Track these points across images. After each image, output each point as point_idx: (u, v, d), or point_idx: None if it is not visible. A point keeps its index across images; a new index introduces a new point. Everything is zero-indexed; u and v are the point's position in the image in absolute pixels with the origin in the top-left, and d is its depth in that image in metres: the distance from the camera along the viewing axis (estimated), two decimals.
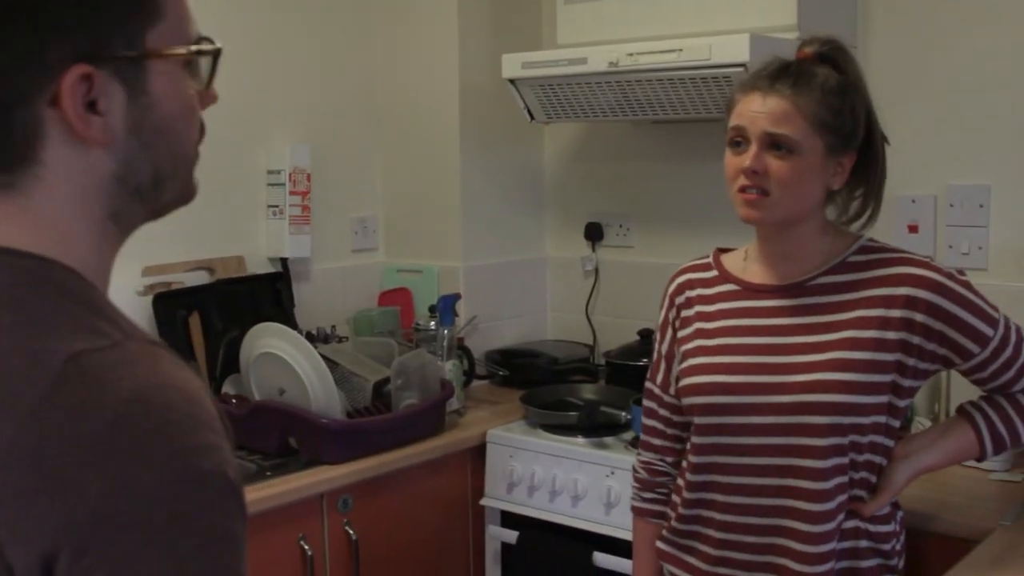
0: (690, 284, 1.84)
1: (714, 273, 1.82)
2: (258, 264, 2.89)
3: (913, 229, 2.60)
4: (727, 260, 1.83)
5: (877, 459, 1.70)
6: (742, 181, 1.66)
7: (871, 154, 1.71)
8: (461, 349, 2.87)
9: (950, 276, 1.68)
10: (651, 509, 1.90)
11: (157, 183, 0.88)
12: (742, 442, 1.70)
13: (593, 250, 3.22)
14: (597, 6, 2.73)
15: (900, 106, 2.59)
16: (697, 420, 1.75)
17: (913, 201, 2.60)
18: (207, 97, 0.91)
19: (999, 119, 2.49)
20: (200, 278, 2.72)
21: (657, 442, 1.90)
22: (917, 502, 1.97)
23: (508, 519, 2.58)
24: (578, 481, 2.45)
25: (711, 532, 1.74)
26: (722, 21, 2.45)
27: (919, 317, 1.64)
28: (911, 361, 1.66)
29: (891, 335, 1.64)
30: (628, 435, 2.52)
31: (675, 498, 1.83)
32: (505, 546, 2.59)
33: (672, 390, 1.85)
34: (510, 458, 2.57)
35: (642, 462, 1.92)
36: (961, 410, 1.80)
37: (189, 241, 2.66)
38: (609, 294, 3.20)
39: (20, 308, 0.80)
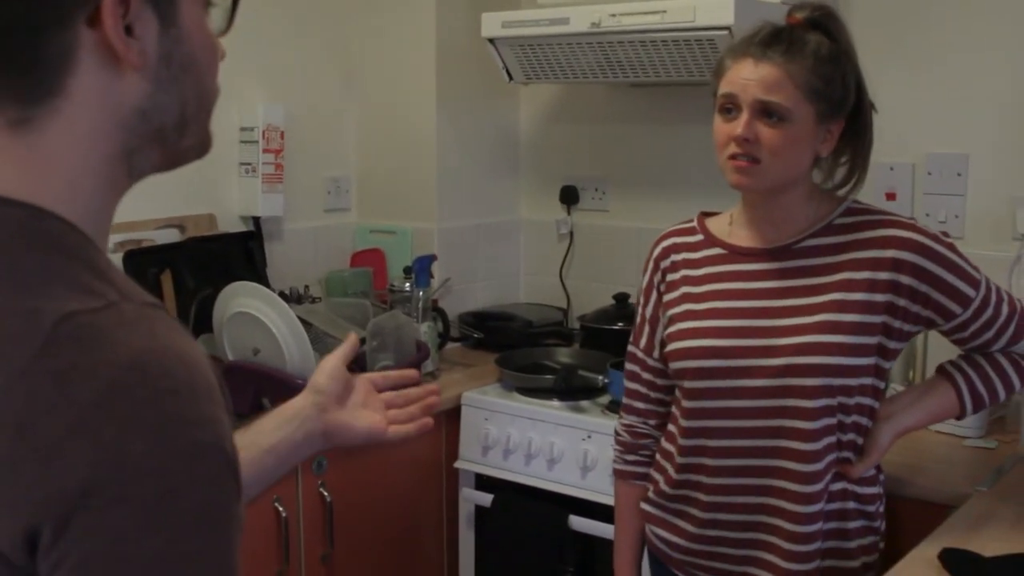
0: (675, 248, 1.83)
1: (699, 237, 1.82)
2: (230, 223, 2.84)
3: (891, 197, 2.60)
4: (712, 224, 1.83)
5: (864, 420, 1.72)
6: (732, 148, 1.65)
7: (860, 121, 1.71)
8: (436, 311, 2.85)
9: (935, 238, 1.69)
10: (634, 471, 1.91)
11: (181, 123, 0.84)
12: (733, 405, 1.71)
13: (568, 213, 3.20)
14: None
15: (880, 74, 2.56)
16: (687, 384, 1.76)
17: (892, 169, 2.60)
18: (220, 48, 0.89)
19: (978, 88, 2.49)
20: (171, 236, 2.67)
21: (640, 405, 1.89)
22: (893, 467, 1.98)
23: (482, 482, 2.57)
24: (554, 444, 2.44)
25: (700, 495, 1.75)
26: None
27: (905, 279, 1.66)
28: (897, 323, 1.68)
29: (879, 297, 1.66)
30: (605, 399, 2.51)
31: (664, 463, 1.83)
32: (479, 509, 2.58)
33: (656, 354, 1.84)
34: (485, 421, 2.55)
35: (624, 425, 1.92)
36: (941, 370, 1.81)
37: (159, 198, 2.60)
38: (583, 258, 3.18)
39: (10, 264, 0.75)
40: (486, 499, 2.54)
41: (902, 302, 1.67)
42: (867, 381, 1.70)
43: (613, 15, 2.46)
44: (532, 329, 2.98)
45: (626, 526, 1.93)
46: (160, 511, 0.69)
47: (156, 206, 2.61)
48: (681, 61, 2.45)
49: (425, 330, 2.70)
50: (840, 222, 1.72)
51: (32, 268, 0.74)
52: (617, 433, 1.94)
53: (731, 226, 1.80)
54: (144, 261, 2.52)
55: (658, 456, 1.85)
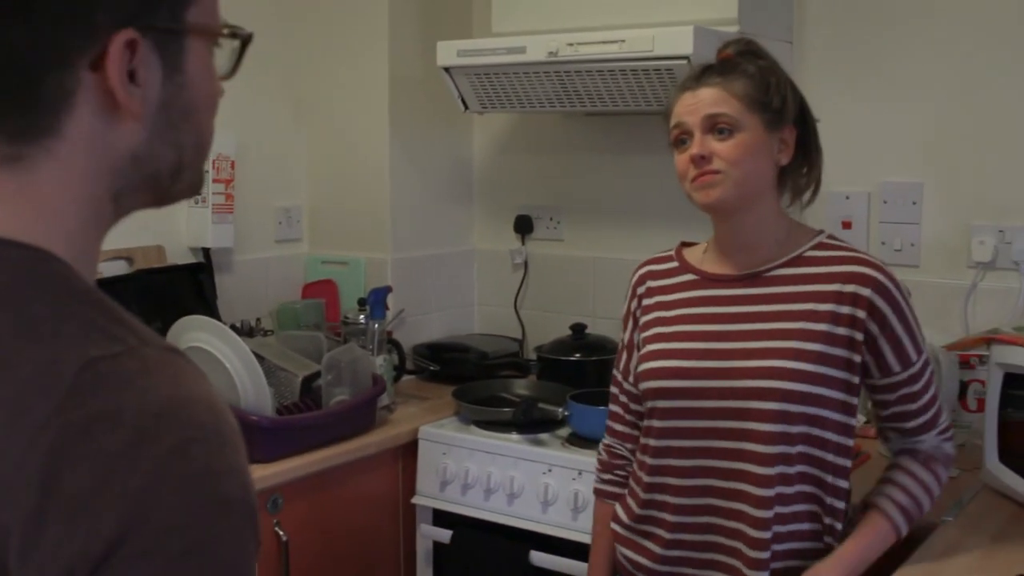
0: (651, 275, 1.87)
1: (674, 264, 1.85)
2: (179, 254, 2.78)
3: (847, 225, 2.61)
4: (688, 253, 1.87)
5: (841, 461, 1.72)
6: (692, 171, 1.69)
7: (806, 129, 1.75)
8: (391, 343, 2.80)
9: (899, 288, 1.72)
10: (608, 491, 1.92)
11: (177, 170, 0.82)
12: (696, 425, 1.72)
13: (522, 243, 3.18)
14: None
15: (835, 102, 2.59)
16: (651, 404, 1.78)
17: (847, 197, 2.61)
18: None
19: (932, 117, 2.51)
20: (119, 268, 2.61)
21: (618, 427, 1.92)
22: (857, 498, 1.96)
23: (441, 518, 2.53)
24: (514, 479, 2.40)
25: (666, 516, 1.76)
26: (663, 13, 2.42)
27: (860, 314, 1.67)
28: (856, 358, 1.69)
29: (841, 331, 1.68)
30: (564, 432, 2.48)
31: (634, 485, 1.84)
32: (438, 545, 2.53)
33: (631, 378, 1.87)
34: (443, 455, 2.51)
35: (604, 445, 1.95)
36: (867, 504, 1.77)
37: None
38: (538, 288, 3.16)
39: (21, 309, 0.71)
40: (445, 535, 2.49)
41: (859, 336, 1.68)
42: (836, 416, 1.70)
43: (571, 44, 2.44)
44: (488, 361, 2.94)
45: (600, 544, 1.93)
46: (185, 567, 0.67)
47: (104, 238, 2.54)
48: (639, 90, 2.44)
49: (381, 363, 2.66)
50: (811, 254, 1.74)
51: (45, 314, 0.72)
52: (599, 452, 1.96)
53: (705, 254, 1.83)
54: None
55: (631, 479, 1.86)
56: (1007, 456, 2.02)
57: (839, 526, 1.72)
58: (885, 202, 2.57)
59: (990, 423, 2.05)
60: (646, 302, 1.85)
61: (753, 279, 1.75)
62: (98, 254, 0.81)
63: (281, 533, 2.24)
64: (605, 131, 3.00)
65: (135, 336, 0.73)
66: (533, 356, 2.94)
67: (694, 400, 1.72)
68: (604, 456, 1.94)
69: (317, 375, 2.46)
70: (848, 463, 1.72)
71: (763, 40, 2.53)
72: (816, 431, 1.68)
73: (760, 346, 1.69)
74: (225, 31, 0.84)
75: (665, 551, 1.76)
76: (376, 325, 2.69)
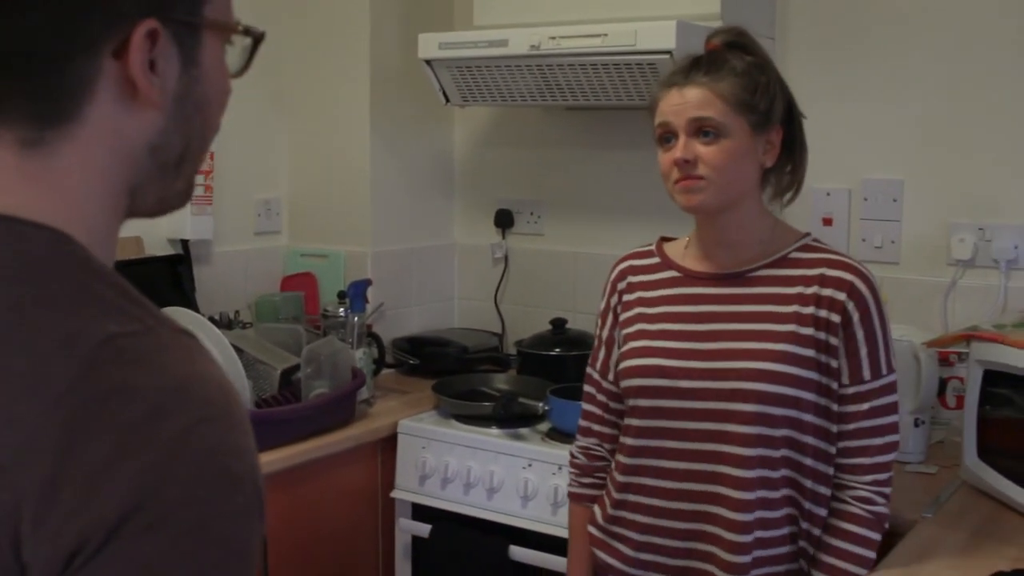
0: (632, 270, 1.85)
1: (656, 260, 1.83)
2: (157, 246, 2.76)
3: (827, 222, 2.61)
4: (669, 248, 1.84)
5: (822, 467, 1.68)
6: (675, 174, 1.67)
7: (792, 128, 1.73)
8: (371, 336, 2.79)
9: (875, 296, 1.68)
10: (588, 495, 1.89)
11: (180, 162, 0.83)
12: (675, 426, 1.71)
13: (503, 237, 3.17)
14: None
15: (816, 99, 2.58)
16: (632, 402, 1.76)
17: (828, 194, 2.61)
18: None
19: (913, 114, 2.51)
20: None
21: (596, 427, 1.89)
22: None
23: (420, 512, 2.52)
24: (494, 473, 2.39)
25: (638, 517, 1.75)
26: (646, 7, 2.42)
27: (835, 318, 1.65)
28: (834, 362, 1.67)
29: (820, 335, 1.66)
30: (544, 426, 2.48)
31: (610, 485, 1.82)
32: (416, 540, 2.52)
33: (611, 376, 1.85)
34: (422, 449, 2.50)
35: (580, 447, 1.91)
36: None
37: None
38: (518, 282, 3.15)
39: (44, 285, 0.72)
40: (424, 529, 2.48)
41: (834, 341, 1.66)
42: (817, 421, 1.67)
43: (553, 38, 2.43)
44: (468, 355, 2.93)
45: (578, 549, 1.90)
46: (191, 542, 0.68)
47: None
48: (621, 85, 2.43)
49: (360, 356, 2.64)
50: (795, 256, 1.72)
51: (67, 290, 0.73)
52: (573, 456, 1.93)
53: (687, 249, 1.81)
54: None
55: (607, 479, 1.84)
56: (986, 453, 2.03)
57: (816, 532, 1.68)
58: (866, 199, 2.57)
59: (969, 420, 2.06)
60: (627, 298, 1.83)
61: (737, 279, 1.73)
62: (115, 244, 0.83)
63: None
64: (587, 125, 2.99)
65: (152, 316, 0.75)
66: (513, 350, 2.93)
67: (675, 400, 1.70)
68: (581, 459, 1.90)
69: (296, 368, 2.45)
70: (829, 470, 1.68)
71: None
72: (796, 435, 1.66)
73: (742, 347, 1.67)
74: (240, 28, 0.86)
75: (635, 553, 1.75)
76: (356, 318, 2.68)
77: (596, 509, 1.84)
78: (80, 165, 0.78)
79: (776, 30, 2.65)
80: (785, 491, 1.67)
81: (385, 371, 2.91)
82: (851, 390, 1.66)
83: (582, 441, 1.91)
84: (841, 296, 1.65)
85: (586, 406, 1.91)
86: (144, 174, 0.81)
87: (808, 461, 1.67)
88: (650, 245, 1.87)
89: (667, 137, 1.68)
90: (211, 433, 0.70)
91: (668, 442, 1.71)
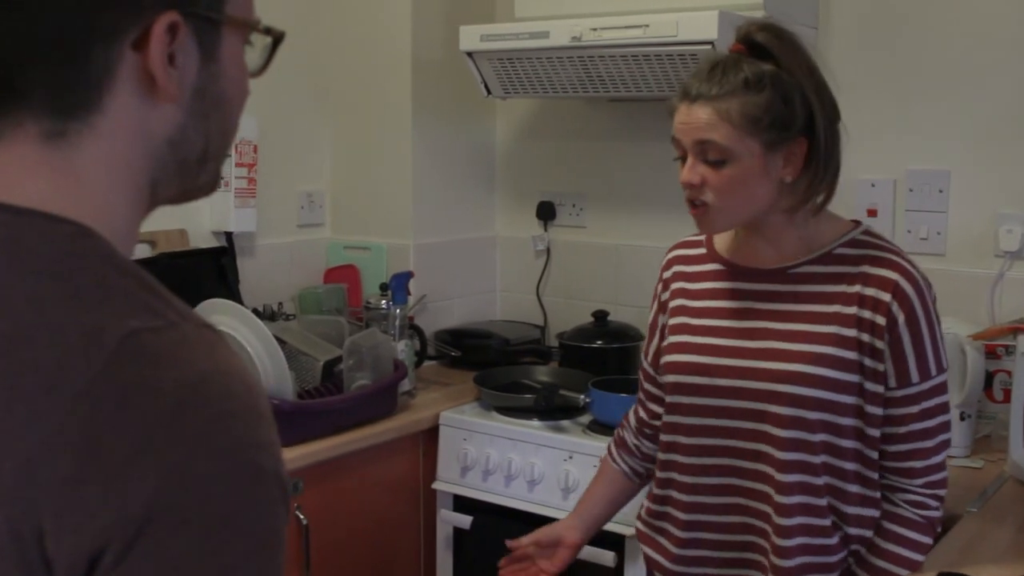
0: (679, 260, 1.82)
1: (702, 251, 1.78)
2: (201, 238, 2.79)
3: (872, 213, 2.58)
4: (720, 239, 1.77)
5: (866, 472, 1.63)
6: (686, 194, 1.62)
7: (819, 138, 1.58)
8: (413, 328, 2.80)
9: (923, 297, 1.60)
10: (623, 469, 1.94)
11: (203, 159, 0.84)
12: (714, 423, 1.67)
13: (545, 230, 3.17)
14: None
15: (861, 89, 2.57)
16: (671, 399, 1.74)
17: (873, 185, 2.58)
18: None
19: (959, 104, 2.48)
20: (142, 251, 2.61)
21: (635, 416, 1.92)
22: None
23: (461, 504, 2.53)
24: (535, 465, 2.40)
25: (678, 513, 1.72)
26: None
27: (880, 320, 1.58)
28: (881, 366, 1.60)
29: (865, 337, 1.59)
30: (586, 418, 2.48)
31: (652, 481, 1.82)
32: (458, 531, 2.53)
33: (650, 359, 1.86)
34: (464, 441, 2.51)
35: (620, 427, 1.97)
36: None
37: None
38: (560, 275, 3.15)
39: (67, 279, 0.73)
40: (465, 521, 2.49)
41: (879, 344, 1.59)
42: (856, 423, 1.61)
43: (594, 29, 2.43)
44: (509, 347, 2.94)
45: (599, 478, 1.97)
46: (221, 536, 0.68)
47: None
48: (663, 76, 2.42)
49: (403, 348, 2.65)
50: (841, 252, 1.64)
51: (90, 284, 0.73)
52: (622, 435, 1.96)
53: (734, 240, 1.74)
54: None
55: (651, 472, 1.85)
56: None
57: (868, 534, 1.64)
58: (911, 190, 2.54)
59: (1016, 413, 2.04)
60: (673, 286, 1.79)
61: (781, 275, 1.66)
62: (136, 238, 0.83)
63: (302, 517, 2.25)
64: (629, 117, 2.98)
65: (175, 311, 0.75)
66: (555, 343, 2.93)
67: (714, 398, 1.67)
68: (615, 437, 1.96)
69: (338, 360, 2.46)
70: (874, 475, 1.63)
71: (789, 26, 2.51)
72: (834, 439, 1.61)
73: (779, 347, 1.62)
74: (260, 27, 0.86)
75: (680, 550, 1.72)
76: (398, 310, 2.69)
77: (644, 503, 1.83)
78: (102, 158, 0.78)
79: (819, 19, 2.63)
80: (829, 498, 1.62)
81: (427, 363, 2.92)
82: (900, 393, 1.60)
83: (626, 424, 1.95)
84: (886, 297, 1.58)
85: (639, 394, 1.92)
86: (165, 169, 0.82)
87: (850, 466, 1.61)
88: (701, 235, 1.79)
89: (681, 155, 1.62)
90: (234, 427, 0.70)
91: (701, 439, 1.68)
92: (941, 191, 2.51)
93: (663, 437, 1.75)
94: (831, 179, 1.61)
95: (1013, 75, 2.41)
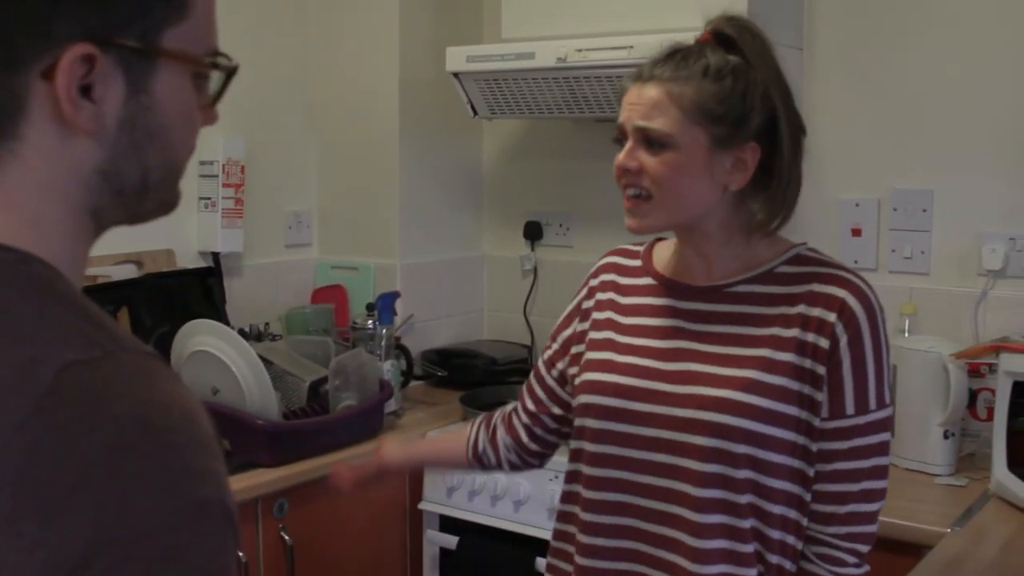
0: (612, 268, 1.63)
1: (638, 263, 1.61)
2: (188, 258, 2.79)
3: (856, 232, 2.60)
4: (658, 251, 1.61)
5: (793, 514, 1.43)
6: (621, 181, 1.47)
7: (775, 150, 1.43)
8: (399, 348, 2.80)
9: (872, 318, 1.42)
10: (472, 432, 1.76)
11: (142, 189, 0.81)
12: (622, 454, 1.48)
13: (532, 249, 3.17)
14: (544, 0, 2.67)
15: (845, 108, 2.59)
16: (579, 422, 1.54)
17: (857, 205, 2.60)
18: (208, 116, 0.86)
19: (943, 124, 2.50)
20: (128, 272, 2.61)
21: (517, 420, 1.72)
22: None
23: (447, 524, 2.52)
24: (521, 485, 2.39)
25: (578, 558, 1.52)
26: (672, 19, 2.40)
27: (823, 343, 1.41)
28: (820, 396, 1.42)
29: (807, 363, 1.42)
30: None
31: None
32: (444, 551, 2.52)
33: (555, 372, 1.65)
34: None
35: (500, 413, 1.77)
36: None
37: (116, 233, 2.51)
38: (547, 294, 3.15)
39: (3, 310, 0.72)
40: (451, 541, 2.48)
41: (820, 370, 1.41)
42: (790, 462, 1.42)
43: (580, 50, 2.44)
44: (496, 367, 2.94)
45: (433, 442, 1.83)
46: (166, 571, 0.67)
47: (112, 241, 2.50)
48: None
49: (388, 368, 2.66)
50: (783, 270, 1.47)
51: (27, 315, 0.72)
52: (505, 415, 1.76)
53: (672, 255, 1.57)
54: (100, 298, 2.45)
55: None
56: (1016, 466, 2.01)
57: None
58: (895, 209, 2.56)
59: (999, 432, 2.05)
60: (600, 296, 1.60)
61: (714, 293, 1.49)
62: (84, 263, 0.81)
63: (287, 538, 2.24)
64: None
65: (114, 341, 0.73)
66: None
67: (626, 424, 1.47)
68: (487, 420, 1.75)
69: (324, 380, 2.46)
70: (803, 519, 1.43)
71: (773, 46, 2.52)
72: (762, 478, 1.41)
73: (703, 371, 1.44)
74: (207, 59, 0.82)
75: None
76: (384, 330, 2.69)
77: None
78: (31, 183, 0.77)
79: (804, 40, 2.64)
80: (756, 545, 1.42)
81: (414, 383, 2.92)
82: (831, 425, 1.41)
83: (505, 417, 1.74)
84: (831, 317, 1.41)
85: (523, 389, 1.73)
86: (101, 198, 0.80)
87: (777, 509, 1.42)
88: (642, 244, 1.64)
89: (620, 139, 1.47)
90: (176, 459, 0.69)
91: (611, 471, 1.48)
92: (925, 210, 2.52)
93: (568, 466, 1.57)
94: (793, 198, 1.46)
95: (996, 95, 2.43)
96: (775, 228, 1.48)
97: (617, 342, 1.54)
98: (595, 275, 1.64)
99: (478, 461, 1.76)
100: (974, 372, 2.28)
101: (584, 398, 1.53)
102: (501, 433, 1.73)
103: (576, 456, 1.55)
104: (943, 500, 2.09)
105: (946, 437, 2.21)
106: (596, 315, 1.59)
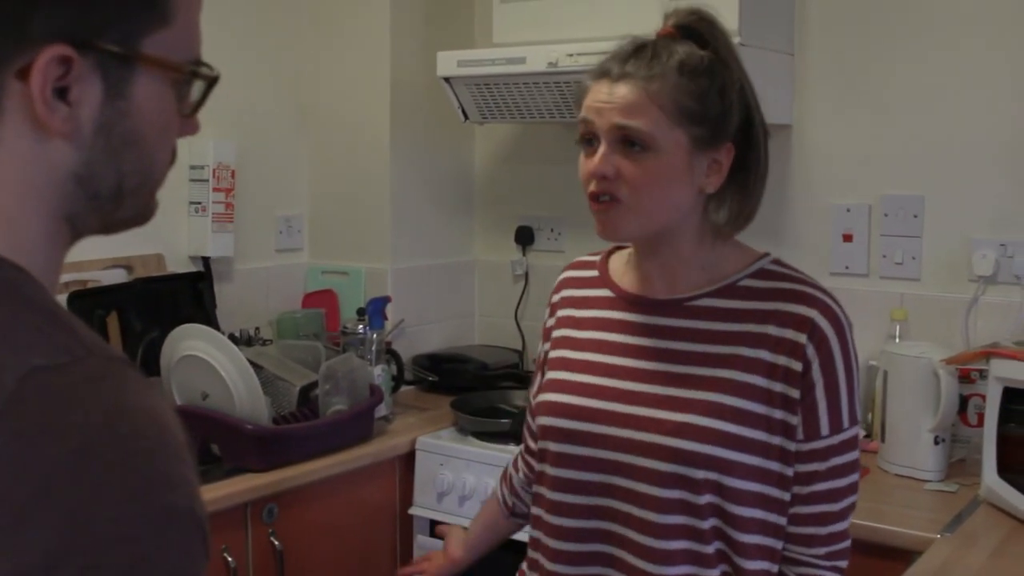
0: (569, 282, 1.58)
1: (594, 273, 1.54)
2: (178, 263, 2.78)
3: (847, 238, 2.60)
4: (615, 261, 1.54)
5: (769, 541, 1.38)
6: (592, 187, 1.37)
7: (749, 148, 1.39)
8: (390, 353, 2.79)
9: (841, 335, 1.37)
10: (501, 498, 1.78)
11: (117, 196, 0.80)
12: (580, 478, 1.42)
13: (523, 254, 3.17)
14: (535, 5, 2.67)
15: (836, 115, 2.60)
16: (541, 444, 1.49)
17: (848, 210, 2.60)
18: (188, 125, 0.85)
19: (934, 130, 2.50)
20: (118, 276, 2.60)
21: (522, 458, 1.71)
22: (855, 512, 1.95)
23: None
24: None
25: None
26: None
27: (796, 366, 1.35)
28: (794, 419, 1.36)
29: (777, 387, 1.36)
30: None
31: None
32: None
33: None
34: (440, 466, 2.50)
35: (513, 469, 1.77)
36: None
37: (106, 237, 2.52)
38: (539, 299, 3.14)
39: None
40: (441, 546, 2.47)
41: (794, 393, 1.35)
42: (758, 488, 1.36)
43: (570, 55, 2.44)
44: (487, 372, 2.94)
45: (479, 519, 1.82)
46: None
47: (102, 246, 2.51)
48: None
49: (379, 373, 2.65)
50: (747, 284, 1.40)
51: None
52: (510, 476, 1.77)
53: (627, 265, 1.50)
54: (90, 303, 2.45)
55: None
56: (1006, 471, 2.01)
57: None
58: (886, 215, 2.56)
59: (989, 438, 2.04)
60: (560, 314, 1.56)
61: (675, 308, 1.42)
62: (59, 268, 0.80)
63: (276, 543, 2.23)
64: None
65: (81, 346, 0.72)
66: (533, 367, 2.92)
67: (585, 447, 1.41)
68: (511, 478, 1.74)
69: (315, 385, 2.45)
70: (777, 544, 1.38)
71: (764, 52, 2.52)
72: (729, 506, 1.35)
73: (667, 393, 1.38)
74: (188, 68, 0.81)
75: None
76: (375, 335, 2.68)
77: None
78: (5, 184, 0.76)
79: (795, 46, 2.65)
80: (724, 567, 1.38)
81: (404, 388, 2.92)
82: (807, 447, 1.36)
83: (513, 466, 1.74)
84: (802, 339, 1.35)
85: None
86: (75, 203, 0.78)
87: (749, 538, 1.36)
88: (598, 255, 1.57)
89: (589, 139, 1.38)
90: (143, 467, 0.67)
91: (571, 496, 1.43)
92: (916, 216, 2.53)
93: (534, 488, 1.53)
94: (758, 198, 1.41)
95: (987, 102, 2.43)
96: (738, 229, 1.43)
97: (571, 359, 1.48)
98: (556, 291, 1.60)
99: (513, 514, 1.76)
100: (964, 378, 2.28)
101: (543, 420, 1.48)
102: (517, 478, 1.73)
103: (540, 479, 1.50)
104: (933, 506, 2.09)
105: (936, 443, 2.21)
106: (555, 333, 1.55)
